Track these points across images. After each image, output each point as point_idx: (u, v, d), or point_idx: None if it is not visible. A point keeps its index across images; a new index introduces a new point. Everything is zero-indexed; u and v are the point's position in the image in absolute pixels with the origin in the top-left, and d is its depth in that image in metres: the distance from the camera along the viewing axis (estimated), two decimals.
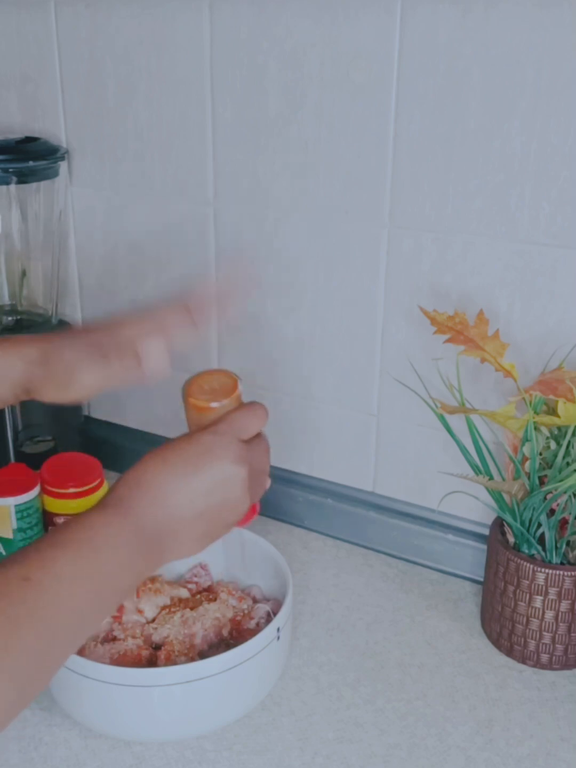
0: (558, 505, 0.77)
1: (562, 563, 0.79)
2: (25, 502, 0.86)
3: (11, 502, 0.86)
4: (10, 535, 0.87)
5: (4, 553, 0.87)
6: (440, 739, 0.73)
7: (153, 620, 0.81)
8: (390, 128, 0.82)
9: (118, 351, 0.64)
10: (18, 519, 0.86)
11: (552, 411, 0.75)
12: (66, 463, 0.92)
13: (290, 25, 0.83)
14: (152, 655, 0.77)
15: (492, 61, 0.76)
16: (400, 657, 0.82)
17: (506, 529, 0.81)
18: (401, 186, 0.83)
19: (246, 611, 0.81)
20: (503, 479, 0.80)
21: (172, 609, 0.81)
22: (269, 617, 0.80)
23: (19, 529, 0.87)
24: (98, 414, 1.14)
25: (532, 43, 0.74)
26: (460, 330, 0.77)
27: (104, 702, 0.70)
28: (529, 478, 0.77)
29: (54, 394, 0.66)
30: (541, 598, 0.78)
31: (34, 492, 0.88)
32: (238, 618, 0.81)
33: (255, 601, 0.84)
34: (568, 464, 0.75)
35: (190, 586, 0.86)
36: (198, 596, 0.84)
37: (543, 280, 0.80)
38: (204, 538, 0.59)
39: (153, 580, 0.84)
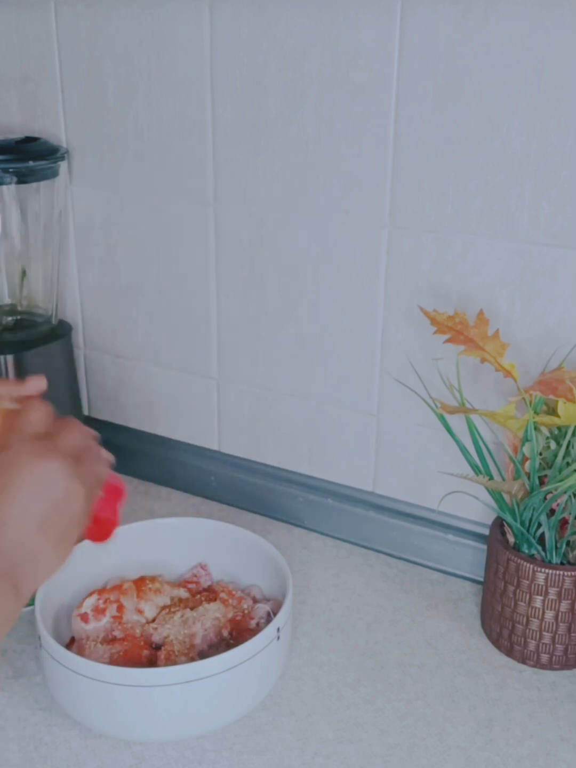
0: (558, 505, 0.77)
1: (562, 563, 0.79)
2: None
3: None
4: None
5: None
6: (440, 739, 0.73)
7: (153, 620, 0.81)
8: (390, 128, 0.82)
9: None
10: None
11: (552, 411, 0.75)
12: None
13: (290, 25, 0.83)
14: (152, 655, 0.77)
15: (492, 61, 0.76)
16: (400, 657, 0.82)
17: (506, 529, 0.81)
18: (401, 186, 0.83)
19: (246, 611, 0.81)
20: (503, 479, 0.80)
21: (172, 609, 0.81)
22: (269, 617, 0.80)
23: None
24: (98, 414, 1.14)
25: (532, 43, 0.74)
26: (460, 330, 0.77)
27: (104, 702, 0.70)
28: (529, 478, 0.77)
29: None
30: (541, 598, 0.78)
31: None
32: (238, 618, 0.81)
33: (255, 601, 0.84)
34: (568, 464, 0.75)
35: (190, 586, 0.86)
36: (198, 596, 0.84)
37: (543, 280, 0.80)
38: (60, 545, 0.55)
39: (153, 579, 0.84)
